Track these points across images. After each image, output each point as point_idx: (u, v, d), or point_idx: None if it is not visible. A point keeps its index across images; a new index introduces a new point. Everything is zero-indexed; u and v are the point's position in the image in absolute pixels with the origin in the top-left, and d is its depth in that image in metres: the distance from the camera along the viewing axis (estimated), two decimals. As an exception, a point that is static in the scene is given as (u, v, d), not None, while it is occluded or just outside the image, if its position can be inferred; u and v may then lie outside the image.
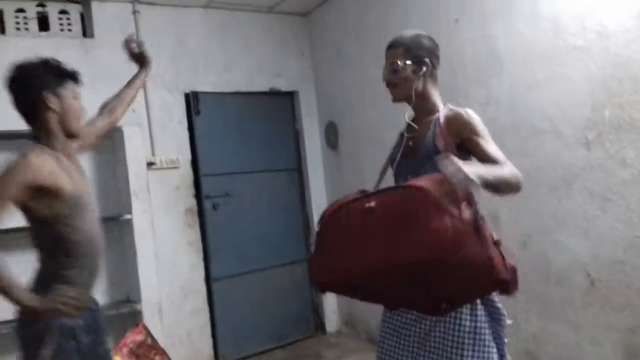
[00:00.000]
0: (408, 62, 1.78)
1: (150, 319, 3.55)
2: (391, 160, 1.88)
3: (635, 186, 2.40)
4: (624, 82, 2.41)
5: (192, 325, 3.96)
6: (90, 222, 1.86)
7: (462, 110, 1.77)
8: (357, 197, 1.62)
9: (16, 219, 1.82)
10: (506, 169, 1.62)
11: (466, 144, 1.73)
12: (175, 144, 4.01)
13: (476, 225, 1.44)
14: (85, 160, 3.73)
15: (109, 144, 3.79)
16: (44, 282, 1.78)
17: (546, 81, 2.75)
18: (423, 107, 1.82)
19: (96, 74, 3.74)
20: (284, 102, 4.59)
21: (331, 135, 4.47)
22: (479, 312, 1.66)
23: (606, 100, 2.49)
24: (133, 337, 3.25)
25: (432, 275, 1.48)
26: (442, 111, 1.79)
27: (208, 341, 4.00)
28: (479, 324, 1.65)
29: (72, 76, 1.95)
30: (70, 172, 1.84)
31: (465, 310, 1.65)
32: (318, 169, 4.64)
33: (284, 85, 4.51)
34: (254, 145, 4.35)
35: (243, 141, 4.30)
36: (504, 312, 1.72)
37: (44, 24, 3.66)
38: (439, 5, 3.35)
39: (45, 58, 1.94)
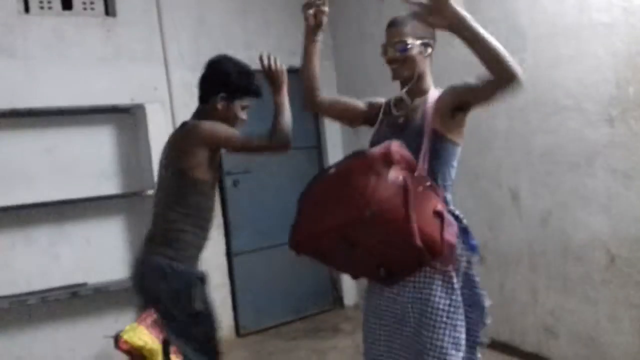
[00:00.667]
0: (417, 42, 1.76)
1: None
2: (378, 138, 1.82)
3: (659, 164, 2.39)
4: (649, 59, 2.39)
5: (213, 298, 4.03)
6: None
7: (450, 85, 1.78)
8: (330, 166, 1.69)
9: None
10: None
11: (461, 102, 1.70)
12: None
13: (405, 186, 1.48)
14: (107, 136, 3.81)
15: (132, 121, 3.85)
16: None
17: (570, 58, 2.73)
18: (418, 87, 1.81)
19: (118, 52, 3.79)
20: (291, 78, 4.58)
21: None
22: (454, 294, 1.66)
23: (631, 77, 2.47)
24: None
25: (358, 236, 1.53)
26: (434, 92, 1.79)
27: (229, 313, 4.10)
28: (452, 307, 1.65)
29: (255, 93, 2.24)
30: None
31: (441, 291, 1.65)
32: (337, 147, 4.66)
33: (291, 63, 4.50)
34: (274, 123, 4.36)
35: (264, 118, 4.30)
36: (484, 292, 1.73)
37: (67, 2, 3.69)
38: (461, -20, 3.32)
39: (246, 67, 2.23)
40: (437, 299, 1.65)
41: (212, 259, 4.06)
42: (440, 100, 1.74)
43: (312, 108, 2.05)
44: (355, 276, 1.82)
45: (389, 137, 1.72)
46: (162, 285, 2.05)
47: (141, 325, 3.19)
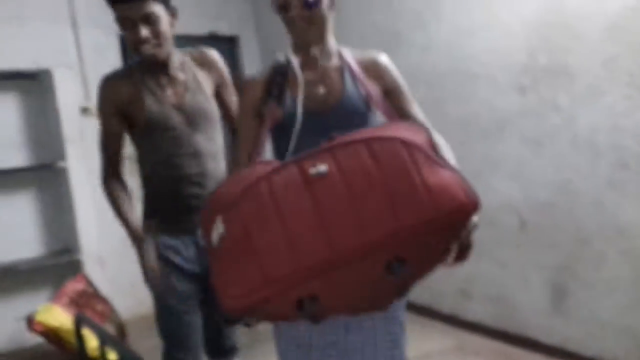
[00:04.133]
0: None
1: (91, 270, 3.49)
2: (284, 122, 1.39)
3: (567, 131, 2.48)
4: (557, 27, 2.46)
5: (135, 275, 3.90)
6: None
7: (376, 54, 1.49)
8: (283, 165, 1.17)
9: None
10: (442, 141, 1.37)
11: (386, 94, 1.45)
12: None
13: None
14: (10, 104, 3.54)
15: (38, 86, 3.59)
16: None
17: (483, 26, 2.77)
18: (323, 47, 1.44)
19: (21, 13, 3.50)
20: (225, 47, 4.44)
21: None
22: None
23: (542, 46, 2.54)
24: (73, 287, 3.19)
25: (432, 241, 1.13)
26: (348, 55, 1.47)
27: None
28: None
29: None
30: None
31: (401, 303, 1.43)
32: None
33: (224, 29, 4.36)
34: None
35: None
36: None
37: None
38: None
39: None
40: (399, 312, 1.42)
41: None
42: (368, 72, 1.45)
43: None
44: (356, 312, 1.29)
45: (307, 117, 1.37)
46: None
47: (56, 305, 3.05)
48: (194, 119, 1.76)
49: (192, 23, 4.17)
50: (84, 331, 2.53)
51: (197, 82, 1.81)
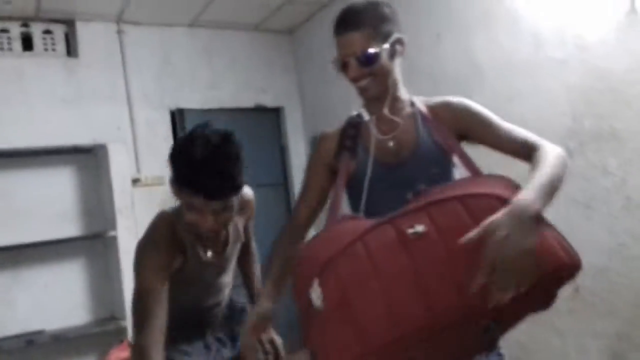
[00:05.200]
0: (385, 45, 1.32)
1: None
2: (357, 175, 1.38)
3: (617, 194, 2.44)
4: (603, 93, 2.46)
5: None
6: None
7: (447, 99, 1.43)
8: (372, 226, 1.12)
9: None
10: (549, 157, 1.22)
11: (470, 135, 1.37)
12: (161, 160, 3.97)
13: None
14: (67, 177, 3.72)
15: (94, 160, 3.78)
16: None
17: (527, 93, 2.80)
18: (394, 100, 1.40)
19: (80, 94, 3.74)
20: (270, 118, 4.61)
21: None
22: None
23: (585, 110, 2.54)
24: (117, 354, 3.19)
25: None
26: (418, 103, 1.42)
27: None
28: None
29: (192, 187, 1.40)
30: None
31: None
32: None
33: (269, 101, 4.53)
34: (240, 161, 4.34)
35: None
36: None
37: (28, 43, 3.65)
38: (422, 19, 3.41)
39: (199, 152, 1.38)
40: None
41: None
42: (442, 119, 1.38)
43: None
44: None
45: (380, 170, 1.34)
46: None
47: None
48: (226, 266, 1.73)
49: (240, 97, 4.36)
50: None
51: (236, 230, 1.73)
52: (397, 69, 1.40)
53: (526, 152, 1.28)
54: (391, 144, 1.37)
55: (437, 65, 3.27)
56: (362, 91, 1.38)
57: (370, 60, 1.32)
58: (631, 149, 2.36)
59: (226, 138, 1.42)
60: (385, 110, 1.39)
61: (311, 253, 1.17)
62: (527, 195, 1.06)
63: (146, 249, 1.55)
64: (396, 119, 1.39)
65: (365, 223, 1.15)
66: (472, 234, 0.99)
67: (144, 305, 1.48)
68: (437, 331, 1.01)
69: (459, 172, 1.38)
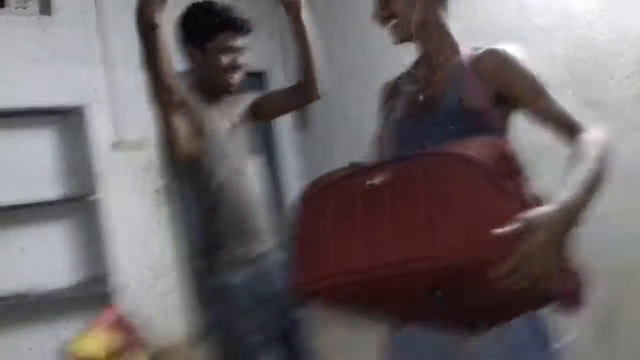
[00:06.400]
0: None
1: (121, 300, 3.52)
2: (388, 123, 1.38)
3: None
4: (587, 62, 2.46)
5: (166, 305, 3.92)
6: None
7: (492, 48, 1.29)
8: (351, 173, 1.15)
9: None
10: (594, 145, 1.09)
11: (510, 94, 1.25)
12: (142, 124, 3.91)
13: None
14: (45, 140, 3.64)
15: (71, 123, 3.70)
16: None
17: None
18: (433, 45, 1.33)
19: (55, 54, 3.63)
20: (253, 82, 4.52)
21: (301, 117, 4.45)
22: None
23: (569, 80, 2.53)
24: (107, 317, 3.24)
25: (477, 281, 0.99)
26: (465, 51, 1.32)
27: (180, 320, 3.98)
28: (520, 342, 1.21)
29: (225, 23, 1.79)
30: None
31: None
32: (289, 152, 4.60)
33: (252, 65, 4.43)
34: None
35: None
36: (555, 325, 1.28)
37: (-1, 0, 3.51)
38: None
39: (207, 3, 1.80)
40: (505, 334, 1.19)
41: (161, 265, 3.96)
42: (482, 71, 1.26)
43: None
44: (410, 321, 1.26)
45: (406, 121, 1.33)
46: None
47: (92, 331, 3.10)
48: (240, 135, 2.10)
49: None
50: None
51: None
52: (432, 10, 1.31)
53: (568, 133, 1.18)
54: (421, 97, 1.33)
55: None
56: (390, 34, 1.35)
57: (383, 1, 1.30)
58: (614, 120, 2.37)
59: None
60: (425, 51, 1.36)
61: (307, 187, 1.23)
62: (572, 198, 1.00)
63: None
64: (437, 63, 1.35)
65: (351, 170, 1.19)
66: (510, 228, 0.93)
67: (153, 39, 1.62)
68: (375, 280, 1.04)
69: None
